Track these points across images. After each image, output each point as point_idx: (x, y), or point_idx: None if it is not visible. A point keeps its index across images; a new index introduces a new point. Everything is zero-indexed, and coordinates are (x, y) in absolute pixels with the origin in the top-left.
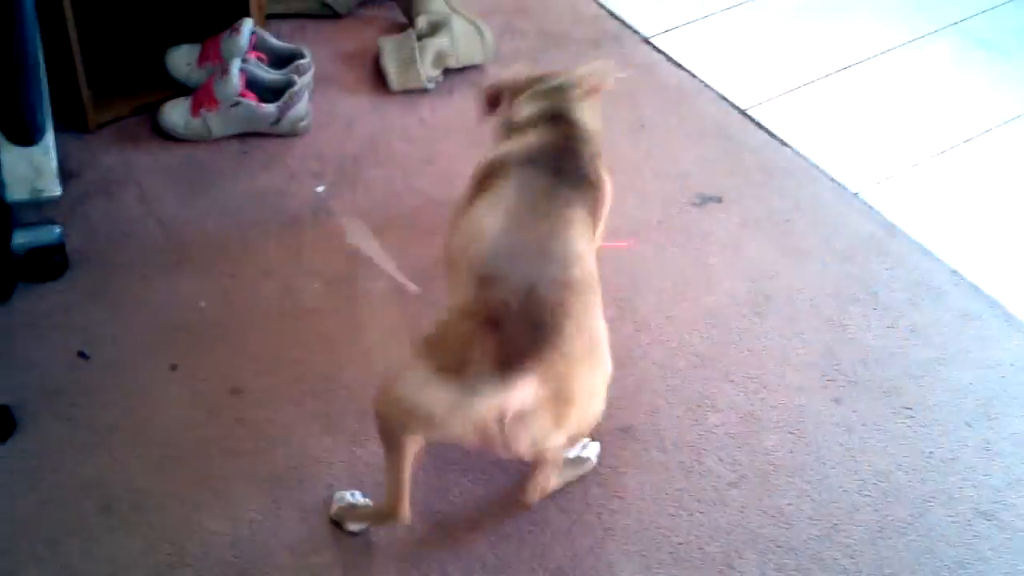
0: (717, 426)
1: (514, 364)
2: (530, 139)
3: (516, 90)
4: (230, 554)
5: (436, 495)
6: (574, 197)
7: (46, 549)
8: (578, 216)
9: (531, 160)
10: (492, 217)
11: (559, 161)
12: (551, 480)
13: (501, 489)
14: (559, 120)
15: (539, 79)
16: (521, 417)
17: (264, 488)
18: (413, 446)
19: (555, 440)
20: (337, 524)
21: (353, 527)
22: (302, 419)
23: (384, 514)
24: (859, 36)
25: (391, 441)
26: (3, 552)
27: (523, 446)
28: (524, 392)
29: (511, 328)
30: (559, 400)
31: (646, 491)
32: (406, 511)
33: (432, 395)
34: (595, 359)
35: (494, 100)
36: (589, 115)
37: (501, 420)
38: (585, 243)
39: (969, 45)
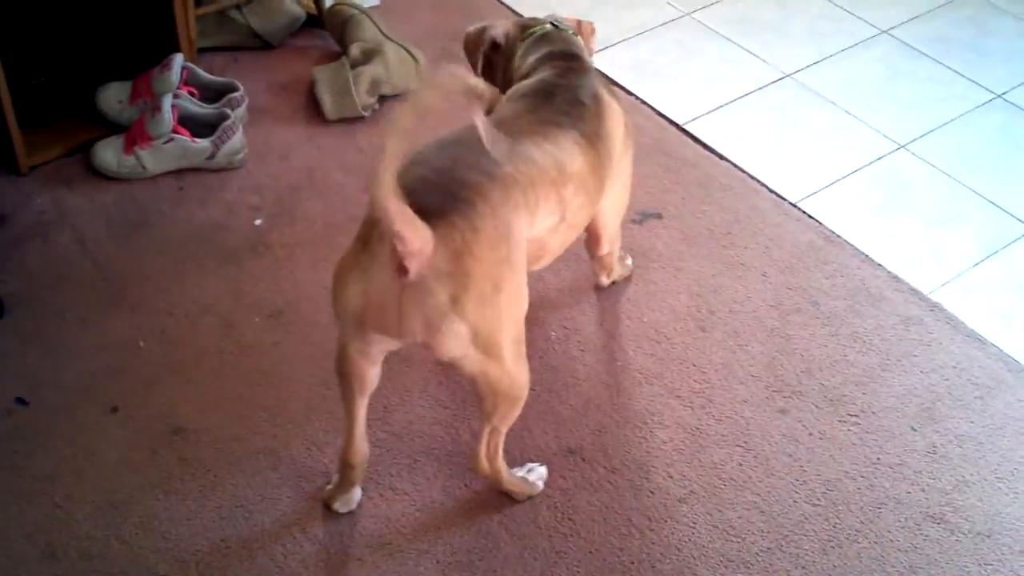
0: (664, 443)
1: (417, 224)
2: (530, 79)
3: (511, 40)
4: None
5: (383, 523)
6: (558, 117)
7: None
8: (554, 132)
9: (524, 94)
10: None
11: (553, 89)
12: (498, 452)
13: (450, 517)
14: (563, 56)
15: (527, 26)
16: (416, 285)
17: (210, 528)
18: (363, 370)
19: (451, 328)
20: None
21: (340, 507)
22: (247, 456)
23: (344, 463)
24: (791, 48)
25: (342, 361)
26: None
27: (416, 320)
28: (422, 235)
29: (421, 195)
30: (456, 277)
31: (596, 512)
32: (358, 450)
33: (343, 264)
34: (507, 255)
35: (481, 46)
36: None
37: (398, 272)
38: (542, 153)
39: (899, 53)
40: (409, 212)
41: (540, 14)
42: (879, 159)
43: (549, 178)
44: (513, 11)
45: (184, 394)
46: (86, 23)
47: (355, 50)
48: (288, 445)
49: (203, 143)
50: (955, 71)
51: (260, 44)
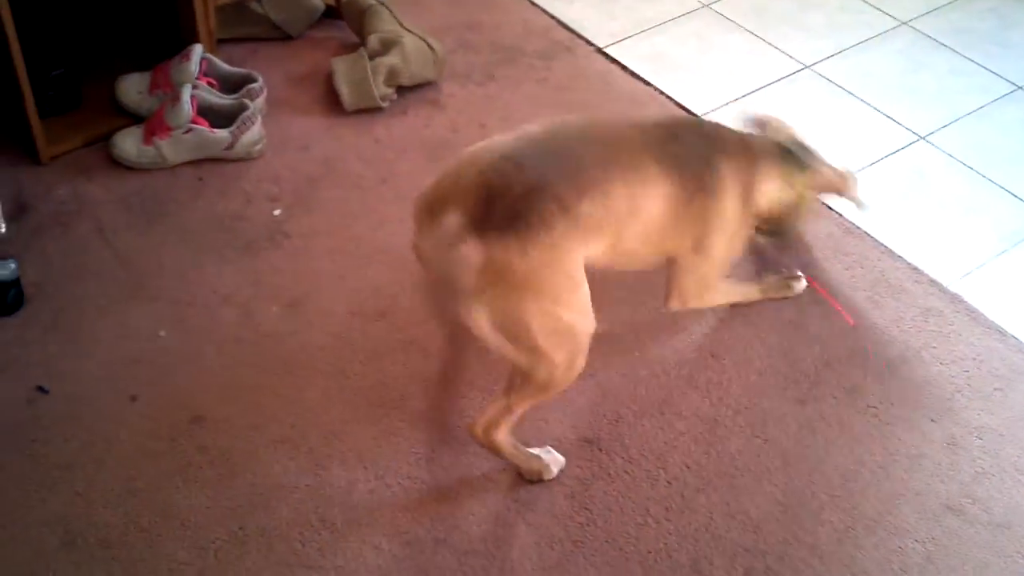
0: (682, 433)
1: (483, 222)
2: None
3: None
4: None
5: (401, 512)
6: (663, 158)
7: None
8: (650, 169)
9: (675, 135)
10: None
11: (689, 150)
12: (499, 426)
13: (467, 505)
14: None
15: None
16: (461, 264)
17: (228, 516)
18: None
19: (469, 308)
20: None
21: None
22: (264, 444)
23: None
24: (810, 40)
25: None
26: None
27: (449, 283)
28: (468, 247)
29: (500, 203)
30: (492, 277)
31: (612, 501)
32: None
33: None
34: (549, 287)
35: None
36: (770, 182)
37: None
38: (625, 193)
39: (919, 44)
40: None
41: (561, 8)
42: (899, 150)
43: (616, 217)
44: (531, 2)
45: (203, 383)
46: (105, 13)
47: (373, 41)
48: (306, 434)
49: (222, 133)
50: (976, 63)
51: (279, 35)
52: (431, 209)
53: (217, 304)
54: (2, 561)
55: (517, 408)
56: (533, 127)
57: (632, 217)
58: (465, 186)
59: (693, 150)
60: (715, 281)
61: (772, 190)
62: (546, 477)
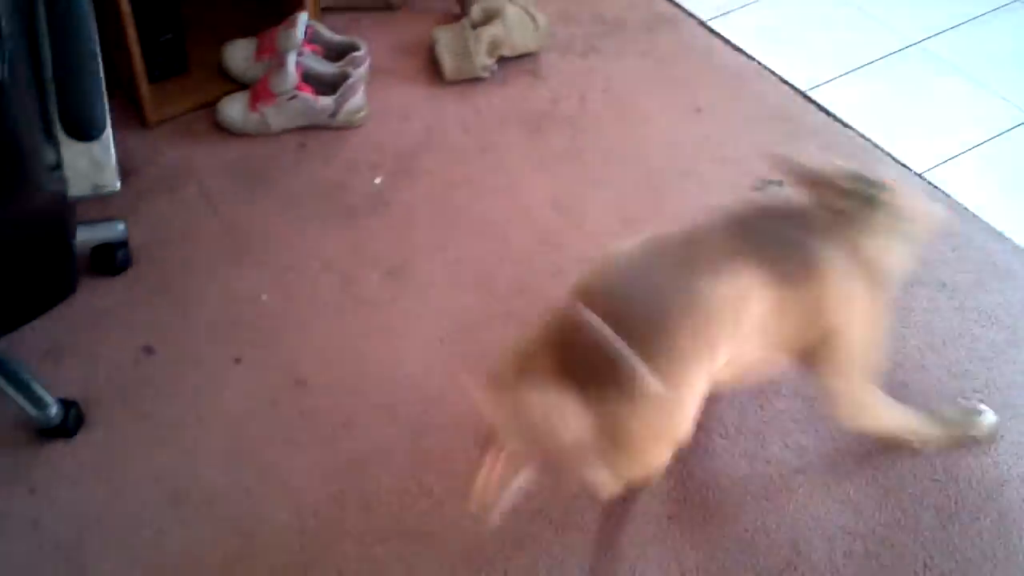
0: (782, 411)
1: (567, 386)
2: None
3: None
4: (297, 544)
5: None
6: (765, 267)
7: (117, 542)
8: (754, 282)
9: (753, 226)
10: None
11: (774, 234)
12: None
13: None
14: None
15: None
16: (559, 435)
17: (329, 479)
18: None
19: (603, 476)
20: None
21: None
22: (364, 410)
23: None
24: (919, 16)
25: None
26: (75, 545)
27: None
28: (567, 419)
29: (584, 350)
30: (605, 441)
31: (710, 478)
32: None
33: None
34: (670, 425)
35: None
36: (877, 245)
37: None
38: (731, 310)
39: None
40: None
41: None
42: (1010, 130)
43: (727, 332)
44: None
45: (304, 348)
46: None
47: (476, 11)
48: (405, 401)
49: (326, 101)
50: None
51: (382, 4)
52: (514, 379)
53: (318, 270)
54: (110, 515)
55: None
56: (617, 254)
57: (741, 327)
58: (547, 346)
59: (779, 234)
60: (867, 389)
61: (884, 243)
62: None
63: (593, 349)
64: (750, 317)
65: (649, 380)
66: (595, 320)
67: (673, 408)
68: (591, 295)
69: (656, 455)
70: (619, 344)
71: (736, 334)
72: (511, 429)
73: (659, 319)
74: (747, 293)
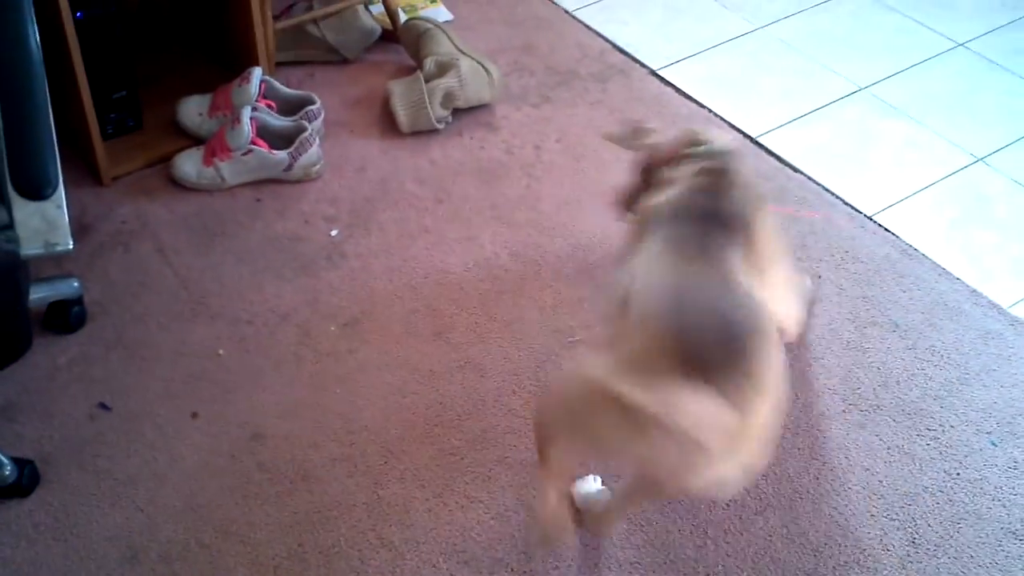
0: None
1: (698, 375)
2: (680, 188)
3: (663, 160)
4: None
5: (459, 531)
6: (723, 238)
7: None
8: (731, 258)
9: (678, 211)
10: (657, 275)
11: (708, 204)
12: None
13: (524, 526)
14: (712, 171)
15: (688, 144)
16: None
17: (288, 533)
18: (567, 461)
19: (717, 472)
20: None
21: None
22: (323, 463)
23: (542, 537)
24: (865, 62)
25: (547, 450)
26: None
27: (691, 475)
28: (706, 405)
29: (704, 350)
30: (738, 428)
31: (671, 522)
32: (559, 535)
33: (617, 381)
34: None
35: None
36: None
37: (678, 431)
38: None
39: (977, 66)
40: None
41: (616, 31)
42: (957, 172)
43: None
44: (586, 25)
45: (262, 401)
46: (166, 37)
47: (429, 64)
48: (364, 452)
49: (281, 155)
50: None
51: (336, 58)
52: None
53: (276, 323)
54: (67, 574)
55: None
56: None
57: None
58: (662, 350)
59: (728, 210)
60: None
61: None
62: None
63: (714, 347)
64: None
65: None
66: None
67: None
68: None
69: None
70: (732, 337)
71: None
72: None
73: (744, 319)
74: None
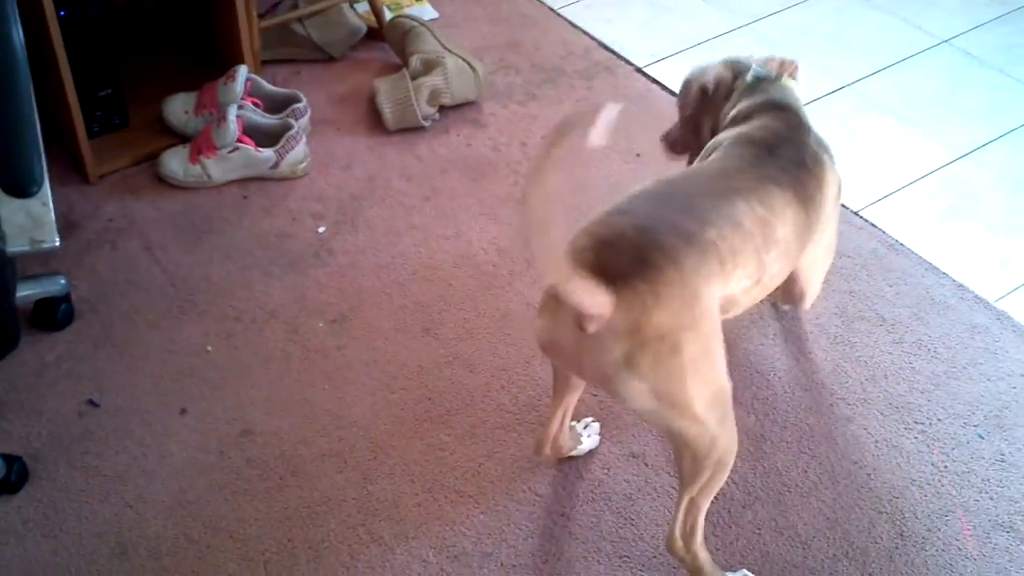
0: None
1: (604, 278)
2: (751, 125)
3: (724, 85)
4: None
5: (448, 526)
6: (779, 175)
7: None
8: (772, 192)
9: (746, 141)
10: (668, 176)
11: (776, 143)
12: (695, 532)
13: (513, 520)
14: (780, 108)
15: (737, 71)
16: (594, 339)
17: (277, 528)
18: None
19: (625, 384)
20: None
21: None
22: (312, 458)
23: (538, 445)
24: (850, 59)
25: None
26: None
27: (594, 371)
28: (600, 301)
29: (613, 253)
30: (632, 337)
31: (660, 516)
32: (546, 448)
33: (544, 295)
34: (690, 322)
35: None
36: (797, 97)
37: (577, 325)
38: (753, 217)
39: (961, 62)
40: (584, 282)
41: (601, 29)
42: (942, 168)
43: (753, 245)
44: (571, 23)
45: (251, 397)
46: (152, 35)
47: (415, 61)
48: (353, 448)
49: (267, 152)
50: (1019, 80)
51: (322, 56)
52: (555, 293)
53: (264, 320)
54: (56, 571)
55: (704, 500)
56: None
57: (769, 245)
58: (580, 255)
59: (796, 156)
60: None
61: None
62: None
63: (616, 247)
64: (780, 237)
65: (669, 268)
66: (628, 227)
67: (694, 304)
68: (614, 210)
69: (687, 373)
70: (647, 246)
71: (766, 252)
72: (552, 339)
73: (684, 220)
74: (780, 215)
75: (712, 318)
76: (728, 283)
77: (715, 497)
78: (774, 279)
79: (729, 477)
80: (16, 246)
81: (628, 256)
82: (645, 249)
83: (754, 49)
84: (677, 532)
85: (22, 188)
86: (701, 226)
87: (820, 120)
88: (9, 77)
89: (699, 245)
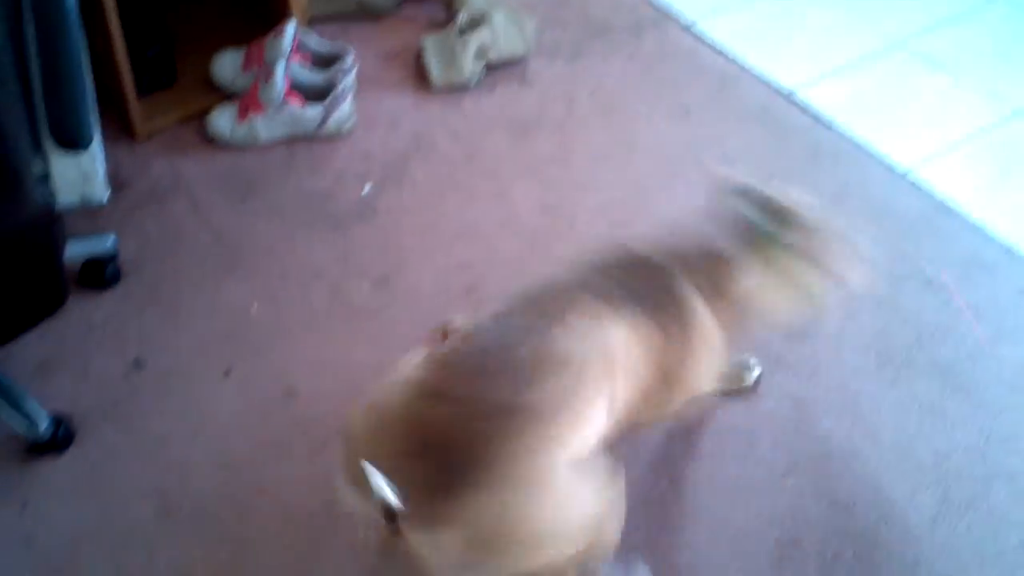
0: (771, 412)
1: (430, 505)
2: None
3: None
4: (290, 555)
5: None
6: (630, 304)
7: (108, 557)
8: (619, 321)
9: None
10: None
11: (644, 287)
12: None
13: None
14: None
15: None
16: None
17: (321, 489)
18: None
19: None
20: None
21: None
22: None
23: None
24: (901, 13)
25: None
26: (66, 561)
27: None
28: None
29: (437, 455)
30: (476, 545)
31: (700, 478)
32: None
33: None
34: (537, 507)
35: None
36: (750, 276)
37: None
38: (590, 346)
39: (1017, 17)
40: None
41: None
42: (994, 126)
43: (607, 391)
44: None
45: (295, 357)
46: None
47: (462, 17)
48: None
49: (314, 110)
50: None
51: (369, 13)
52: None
53: (308, 280)
54: (101, 530)
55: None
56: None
57: (622, 384)
58: (393, 439)
59: (649, 285)
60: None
61: (757, 285)
62: None
63: (452, 426)
64: (633, 375)
65: (501, 477)
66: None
67: (536, 495)
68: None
69: (537, 543)
70: (463, 445)
71: (620, 392)
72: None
73: (494, 405)
74: (617, 339)
75: (551, 489)
76: (574, 443)
77: (756, 461)
78: (651, 413)
79: (772, 441)
80: (66, 200)
81: (448, 464)
82: (460, 451)
83: (804, 5)
84: None
85: (74, 142)
86: (527, 385)
87: (869, 79)
88: (62, 33)
89: (525, 415)
